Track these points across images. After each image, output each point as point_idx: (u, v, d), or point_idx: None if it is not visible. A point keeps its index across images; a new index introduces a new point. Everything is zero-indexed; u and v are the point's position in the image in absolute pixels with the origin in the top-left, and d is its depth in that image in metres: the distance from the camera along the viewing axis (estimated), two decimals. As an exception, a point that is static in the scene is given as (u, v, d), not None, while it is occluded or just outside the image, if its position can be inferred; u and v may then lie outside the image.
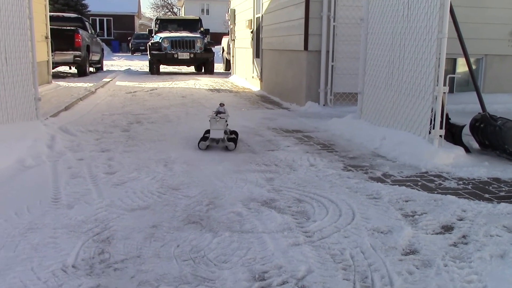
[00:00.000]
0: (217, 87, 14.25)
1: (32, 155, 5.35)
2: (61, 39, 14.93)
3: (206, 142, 5.83)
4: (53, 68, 13.91)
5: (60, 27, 15.44)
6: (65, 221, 3.56)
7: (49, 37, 12.59)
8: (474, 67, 9.58)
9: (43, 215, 3.67)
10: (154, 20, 22.93)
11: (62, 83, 13.79)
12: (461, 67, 9.77)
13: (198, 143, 5.88)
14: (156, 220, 3.60)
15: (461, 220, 3.64)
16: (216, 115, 5.82)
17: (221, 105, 6.14)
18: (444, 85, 5.35)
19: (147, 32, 24.60)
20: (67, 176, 4.74)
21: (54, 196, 4.14)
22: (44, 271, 2.78)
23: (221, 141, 5.90)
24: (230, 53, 19.19)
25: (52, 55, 13.17)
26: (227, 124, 6.06)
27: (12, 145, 5.38)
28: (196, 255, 3.02)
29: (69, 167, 5.07)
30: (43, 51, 11.89)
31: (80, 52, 16.10)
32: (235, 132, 6.29)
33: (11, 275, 2.73)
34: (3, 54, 6.10)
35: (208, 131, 6.03)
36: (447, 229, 3.48)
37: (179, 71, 21.71)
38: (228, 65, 20.81)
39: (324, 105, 9.48)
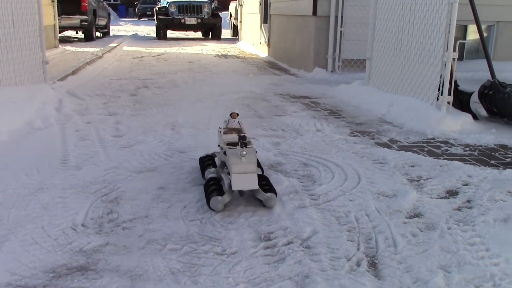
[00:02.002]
0: (224, 53, 14.16)
1: (41, 117, 5.39)
2: (67, 3, 14.78)
3: (225, 198, 3.11)
4: (59, 33, 13.83)
5: (66, -9, 15.27)
6: (73, 181, 3.61)
7: (56, 0, 12.48)
8: (485, 34, 9.43)
9: (52, 176, 3.73)
10: (161, -16, 22.61)
11: (69, 47, 13.74)
12: (472, 34, 9.63)
13: (208, 200, 3.12)
14: (163, 182, 3.65)
15: (466, 185, 3.66)
16: (239, 144, 3.22)
17: (234, 116, 3.66)
18: (454, 51, 5.29)
19: (154, -3, 24.33)
20: (75, 138, 4.78)
21: (63, 157, 4.18)
22: (54, 229, 2.84)
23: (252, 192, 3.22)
24: (237, 19, 18.97)
25: (58, 19, 13.08)
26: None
27: (21, 107, 5.41)
28: (202, 216, 3.07)
29: (77, 130, 5.11)
30: (49, 15, 11.81)
31: (86, 17, 15.98)
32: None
33: (22, 232, 2.79)
34: (10, 17, 6.07)
35: (209, 160, 3.71)
36: (452, 193, 3.50)
37: (186, 36, 21.53)
38: (235, 30, 20.60)
39: (332, 71, 9.41)
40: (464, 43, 9.19)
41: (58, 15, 13.02)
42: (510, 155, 4.45)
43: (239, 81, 8.82)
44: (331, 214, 3.12)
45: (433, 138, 4.98)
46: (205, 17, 18.82)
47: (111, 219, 3.01)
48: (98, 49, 13.41)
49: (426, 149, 4.59)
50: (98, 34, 18.62)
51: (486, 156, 4.40)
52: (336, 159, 4.21)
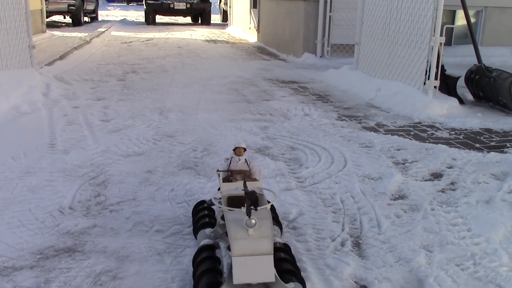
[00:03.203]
0: (213, 38, 14.09)
1: (28, 102, 5.36)
2: (54, -13, 14.62)
3: None
4: (47, 18, 13.66)
5: (53, -25, 15.06)
6: (61, 165, 3.61)
7: (42, -16, 12.32)
8: (473, 19, 9.46)
9: (40, 159, 3.73)
10: (149, -32, 22.35)
11: (56, 32, 13.59)
12: (461, 19, 9.64)
13: (197, 286, 2.04)
14: (151, 165, 3.66)
15: (450, 168, 3.71)
16: (247, 205, 2.04)
17: (239, 152, 2.52)
18: (441, 35, 5.32)
19: (142, -19, 24.05)
20: (62, 123, 4.77)
21: (50, 142, 4.18)
22: (42, 212, 2.85)
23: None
24: (227, 4, 18.83)
25: (45, 4, 12.92)
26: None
27: (8, 91, 5.37)
28: (190, 198, 3.10)
29: (65, 114, 5.09)
30: (36, -1, 11.66)
31: (74, 1, 15.78)
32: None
33: (9, 215, 2.80)
34: (-5, 0, 6.00)
35: (205, 215, 2.62)
36: (436, 176, 3.55)
37: (176, 21, 21.36)
38: (225, 16, 20.46)
39: (321, 56, 9.41)
40: (452, 28, 9.22)
41: (45, 0, 12.85)
42: (494, 139, 4.51)
43: (228, 66, 8.80)
44: (317, 196, 3.16)
45: (419, 122, 5.03)
46: (194, 2, 18.66)
47: (99, 202, 3.03)
48: (86, 34, 13.28)
49: (412, 133, 4.64)
50: (86, 19, 18.42)
51: (471, 140, 4.46)
52: (323, 143, 4.24)
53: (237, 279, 1.94)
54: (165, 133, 4.48)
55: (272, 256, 1.97)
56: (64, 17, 18.04)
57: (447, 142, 4.37)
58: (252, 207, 2.01)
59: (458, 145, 4.28)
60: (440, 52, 5.41)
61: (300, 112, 5.36)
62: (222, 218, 2.27)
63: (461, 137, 4.55)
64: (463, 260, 2.42)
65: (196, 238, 2.49)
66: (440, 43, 5.35)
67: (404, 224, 2.79)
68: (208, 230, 2.42)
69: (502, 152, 4.10)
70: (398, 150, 4.11)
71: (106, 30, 15.31)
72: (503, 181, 3.44)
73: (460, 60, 8.47)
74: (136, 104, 5.62)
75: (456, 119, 5.05)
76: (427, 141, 4.38)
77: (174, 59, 9.47)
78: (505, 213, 2.92)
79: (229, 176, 2.45)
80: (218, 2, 23.22)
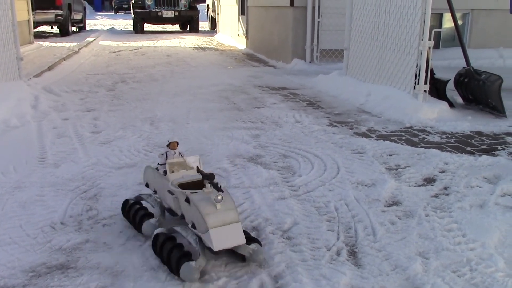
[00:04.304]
0: (202, 46, 14.08)
1: (17, 115, 5.31)
2: (41, -2, 14.54)
3: (200, 262, 2.29)
4: (34, 28, 13.60)
5: (39, -15, 14.98)
6: (52, 179, 3.57)
7: (29, -5, 12.25)
8: (460, 22, 9.54)
9: (30, 174, 3.68)
10: (136, -23, 22.32)
11: (44, 43, 13.52)
12: (448, 22, 9.72)
13: (178, 267, 2.26)
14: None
15: (443, 172, 3.71)
16: (206, 185, 2.39)
17: (173, 146, 2.77)
18: (429, 39, 5.34)
19: (130, -10, 24.01)
20: (52, 135, 4.72)
21: (40, 155, 4.13)
22: (33, 228, 2.81)
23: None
24: (215, 11, 18.85)
25: (32, 14, 12.84)
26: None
27: (-4, 105, 5.32)
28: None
29: (54, 127, 5.05)
30: (23, 10, 11.58)
31: (61, 11, 15.72)
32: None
33: (0, 232, 2.76)
34: (-18, 13, 5.95)
35: (140, 208, 2.79)
36: (430, 181, 3.55)
37: (164, 29, 21.35)
38: (213, 23, 20.48)
39: (310, 62, 9.43)
40: (440, 32, 9.28)
41: (32, 10, 12.78)
42: (485, 142, 4.53)
43: (218, 73, 8.79)
44: (311, 205, 3.15)
45: (410, 127, 5.04)
46: (182, 9, 18.67)
47: (91, 216, 2.99)
48: (74, 44, 13.23)
49: (404, 138, 4.65)
50: (74, 28, 18.35)
51: (462, 143, 4.47)
52: (315, 150, 4.23)
53: (217, 246, 2.26)
54: (156, 144, 4.45)
55: (240, 223, 2.34)
56: (52, 27, 17.97)
57: (439, 146, 4.38)
58: (215, 187, 2.36)
59: (450, 149, 4.29)
60: (429, 56, 5.44)
61: (291, 119, 5.36)
62: (162, 211, 2.75)
63: (452, 140, 4.57)
64: (459, 267, 2.42)
65: (141, 231, 2.69)
66: (429, 47, 5.38)
67: (399, 231, 2.79)
68: (153, 221, 2.68)
69: (493, 155, 4.11)
70: (391, 155, 4.12)
71: (95, 39, 15.27)
72: (496, 184, 3.46)
73: (448, 63, 8.54)
74: (126, 114, 5.59)
75: (447, 123, 5.07)
76: (419, 146, 4.39)
77: (163, 68, 9.44)
78: (499, 217, 2.93)
79: (171, 167, 2.65)
80: (206, 9, 23.24)
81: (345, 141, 4.51)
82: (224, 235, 2.27)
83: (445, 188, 3.41)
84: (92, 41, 14.73)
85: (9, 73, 6.51)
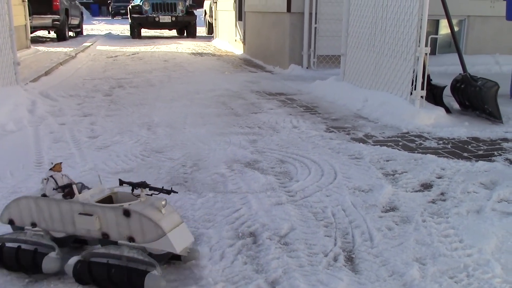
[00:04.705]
0: (199, 51, 14.10)
1: (13, 120, 5.30)
2: (38, 3, 14.53)
3: (159, 270, 2.23)
4: (31, 33, 13.59)
5: (37, -10, 14.99)
6: (48, 184, 3.56)
7: (26, 0, 12.25)
8: (456, 28, 9.59)
9: (26, 179, 3.67)
10: (134, -18, 22.37)
11: (41, 48, 13.52)
12: (444, 28, 9.77)
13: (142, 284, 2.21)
14: (140, 182, 3.62)
15: (440, 178, 3.72)
16: (142, 194, 2.34)
17: (58, 168, 2.55)
18: (426, 46, 5.37)
19: (127, -5, 24.06)
20: (49, 140, 4.71)
21: (37, 160, 4.12)
22: (30, 233, 2.80)
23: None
24: (212, 16, 18.90)
25: (29, 19, 12.85)
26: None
27: (-8, 110, 5.31)
28: (181, 215, 3.05)
29: (51, 131, 5.04)
30: (20, 15, 11.60)
31: (58, 16, 15.73)
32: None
33: (-3, 237, 2.74)
34: (-21, 17, 5.95)
35: (18, 247, 2.45)
36: (426, 186, 3.56)
37: (161, 35, 21.37)
38: (210, 28, 20.52)
39: (307, 67, 9.46)
40: (436, 38, 9.32)
41: (29, 15, 12.78)
42: (482, 147, 4.54)
43: (215, 79, 8.80)
44: (308, 210, 3.15)
45: (407, 132, 5.05)
46: (180, 15, 18.70)
47: (88, 221, 2.98)
48: (71, 49, 13.23)
49: (400, 143, 4.66)
50: (71, 33, 18.35)
51: (459, 149, 4.48)
52: (312, 155, 4.24)
53: (178, 248, 2.27)
54: (153, 149, 4.44)
55: (184, 223, 2.38)
56: (49, 32, 17.96)
57: (436, 152, 4.39)
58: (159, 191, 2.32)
59: (447, 155, 4.30)
60: (426, 62, 5.46)
61: (288, 124, 5.37)
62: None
63: (449, 146, 4.58)
64: (456, 272, 2.42)
65: (38, 271, 2.34)
66: (426, 53, 5.40)
67: (396, 237, 2.79)
68: (52, 254, 2.34)
69: (490, 160, 4.13)
70: (388, 161, 4.12)
71: (92, 44, 15.27)
72: (492, 190, 3.46)
73: (444, 69, 8.58)
74: (123, 119, 5.58)
75: (444, 129, 5.08)
76: (416, 151, 4.40)
77: (160, 73, 9.45)
78: (496, 223, 2.94)
79: (66, 190, 2.39)
80: (204, 14, 23.28)
81: (342, 146, 4.52)
82: (179, 236, 2.29)
83: (442, 194, 3.41)
84: (89, 46, 14.73)
85: (6, 78, 6.50)
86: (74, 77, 8.84)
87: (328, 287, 2.29)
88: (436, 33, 9.70)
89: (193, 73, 9.56)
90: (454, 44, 5.84)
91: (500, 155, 4.32)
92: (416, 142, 4.70)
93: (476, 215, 3.06)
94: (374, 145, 4.59)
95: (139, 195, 2.32)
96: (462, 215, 3.05)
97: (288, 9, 9.40)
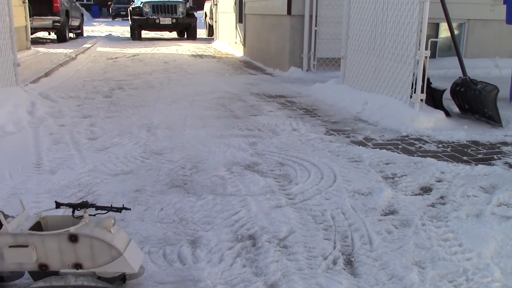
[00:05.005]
0: (200, 53, 14.11)
1: (13, 121, 5.30)
2: (39, 4, 14.54)
3: None
4: (31, 34, 13.60)
5: (37, -9, 15.00)
6: (48, 186, 3.56)
7: (27, 1, 12.26)
8: (456, 32, 9.60)
9: (26, 180, 3.67)
10: (134, -16, 22.39)
11: (41, 49, 13.53)
12: (444, 32, 9.78)
13: None
14: (140, 184, 3.62)
15: (439, 181, 3.72)
16: (85, 214, 2.15)
17: None
18: (426, 49, 5.37)
19: (127, -3, 24.08)
20: (48, 142, 4.71)
21: (36, 161, 4.12)
22: (28, 235, 2.79)
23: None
24: (212, 18, 18.91)
25: (30, 21, 12.85)
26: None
27: (-8, 111, 5.31)
28: (179, 218, 3.06)
29: (51, 133, 5.04)
30: (20, 16, 11.60)
31: (59, 17, 15.74)
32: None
33: (-5, 239, 2.74)
34: (-21, 18, 5.95)
35: None
36: (426, 190, 3.56)
37: (161, 36, 21.39)
38: (211, 30, 20.54)
39: (307, 70, 9.46)
40: (436, 41, 9.33)
41: (30, 16, 12.79)
42: (482, 151, 4.54)
43: (215, 81, 8.81)
44: (308, 213, 3.14)
45: (407, 136, 5.05)
46: (180, 17, 18.73)
47: (87, 223, 2.98)
48: (72, 50, 13.23)
49: (400, 147, 4.66)
50: (71, 35, 18.36)
51: (458, 153, 4.48)
52: (312, 158, 4.24)
53: (135, 267, 2.13)
54: (153, 151, 4.44)
55: (132, 239, 2.21)
56: (49, 33, 17.97)
57: (435, 155, 4.39)
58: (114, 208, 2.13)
59: (446, 158, 4.30)
60: (426, 66, 5.46)
61: (288, 127, 5.36)
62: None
63: (448, 150, 4.58)
64: (456, 276, 2.41)
65: None
66: (426, 56, 5.40)
67: (395, 240, 2.79)
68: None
69: (489, 164, 4.12)
70: (387, 164, 4.12)
71: (92, 46, 15.28)
72: (492, 194, 3.46)
73: (444, 72, 8.58)
74: (123, 121, 5.58)
75: (443, 132, 5.08)
76: (415, 155, 4.39)
77: (160, 75, 9.45)
78: (495, 227, 2.93)
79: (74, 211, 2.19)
80: (204, 16, 23.31)
81: (342, 149, 4.52)
82: (133, 255, 2.15)
83: (442, 197, 3.41)
84: (89, 47, 14.74)
85: (5, 79, 6.50)
86: (74, 79, 8.84)
87: (327, 290, 2.29)
88: (436, 36, 9.71)
89: (193, 75, 9.57)
90: (454, 47, 5.85)
91: (500, 158, 4.32)
92: (416, 145, 4.70)
93: (476, 219, 3.06)
94: (373, 148, 4.59)
95: (82, 216, 2.09)
96: (461, 219, 3.05)
97: (289, 11, 9.41)
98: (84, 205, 2.07)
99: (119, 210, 2.10)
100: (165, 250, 2.65)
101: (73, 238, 2.04)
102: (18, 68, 6.82)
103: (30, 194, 3.40)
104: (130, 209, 2.24)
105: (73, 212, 2.11)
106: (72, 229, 2.04)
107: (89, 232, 2.05)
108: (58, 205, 2.12)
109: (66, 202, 3.08)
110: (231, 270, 2.46)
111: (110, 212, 2.14)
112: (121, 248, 2.07)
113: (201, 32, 22.45)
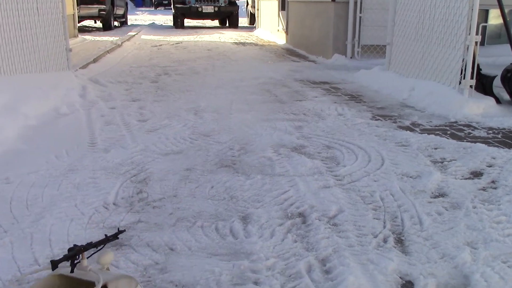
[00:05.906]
0: (242, 41, 14.17)
1: (66, 103, 5.50)
2: (86, -7, 14.92)
3: None
4: (78, 22, 13.96)
5: (85, -20, 15.37)
6: (103, 163, 3.70)
7: (75, -10, 12.59)
8: (508, 18, 9.31)
9: (82, 158, 3.82)
10: (177, -27, 22.59)
11: (88, 37, 13.87)
12: (493, 19, 9.49)
13: None
14: (190, 163, 3.72)
15: (490, 166, 3.66)
16: (82, 261, 1.65)
17: None
18: (477, 34, 5.25)
19: (170, -14, 24.34)
20: (101, 123, 4.87)
21: (90, 141, 4.28)
22: (88, 207, 2.93)
23: None
24: (254, 7, 18.93)
25: (77, 9, 13.20)
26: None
27: (48, 93, 5.52)
28: (230, 195, 3.13)
29: (102, 115, 5.20)
30: (69, 4, 11.90)
31: (105, 6, 16.08)
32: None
33: (57, 210, 2.89)
34: (35, 4, 6.17)
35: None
36: (476, 174, 3.51)
37: (203, 25, 21.56)
38: (252, 19, 20.57)
39: (351, 57, 9.39)
40: (485, 27, 9.08)
41: (77, 5, 13.13)
42: (534, 138, 4.43)
43: (258, 67, 8.85)
44: (356, 194, 3.16)
45: (455, 122, 4.98)
46: (222, 5, 18.81)
47: (141, 198, 3.09)
48: (117, 38, 13.52)
49: (449, 132, 4.60)
50: (116, 23, 18.73)
51: (510, 139, 4.39)
52: (359, 142, 4.24)
53: None
54: (201, 133, 4.53)
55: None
56: (95, 22, 18.38)
57: (485, 141, 4.32)
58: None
59: (497, 144, 4.22)
60: (476, 51, 5.35)
61: (333, 112, 5.37)
62: None
63: (499, 136, 4.49)
64: (510, 257, 2.39)
65: None
66: (476, 42, 5.28)
67: (446, 222, 2.78)
68: None
69: (542, 151, 4.03)
70: (436, 149, 4.08)
71: (136, 34, 15.56)
72: (546, 179, 3.39)
73: (493, 60, 8.33)
74: (170, 104, 5.71)
75: (494, 119, 4.98)
76: (465, 140, 4.33)
77: (204, 61, 9.57)
78: (550, 211, 2.88)
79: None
80: (246, 5, 23.32)
81: (389, 134, 4.50)
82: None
83: (493, 182, 3.36)
84: (134, 35, 15.02)
85: (58, 64, 6.73)
86: (121, 65, 9.06)
87: (379, 266, 2.31)
88: (485, 23, 9.44)
89: (236, 61, 9.64)
90: (507, 33, 5.69)
91: (553, 145, 4.21)
92: (465, 131, 4.63)
93: (529, 203, 3.01)
94: (421, 133, 4.55)
95: (85, 266, 1.66)
96: (514, 203, 3.01)
97: (333, -2, 9.34)
98: (79, 249, 1.64)
99: (115, 236, 1.81)
100: (217, 225, 2.73)
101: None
102: (70, 53, 7.04)
103: (86, 170, 3.55)
104: (125, 231, 1.95)
105: (73, 266, 1.64)
106: (101, 281, 1.57)
107: (109, 278, 1.65)
108: (55, 264, 1.61)
109: (122, 178, 3.19)
110: (282, 244, 2.51)
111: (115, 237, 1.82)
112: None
113: (243, 21, 22.48)
